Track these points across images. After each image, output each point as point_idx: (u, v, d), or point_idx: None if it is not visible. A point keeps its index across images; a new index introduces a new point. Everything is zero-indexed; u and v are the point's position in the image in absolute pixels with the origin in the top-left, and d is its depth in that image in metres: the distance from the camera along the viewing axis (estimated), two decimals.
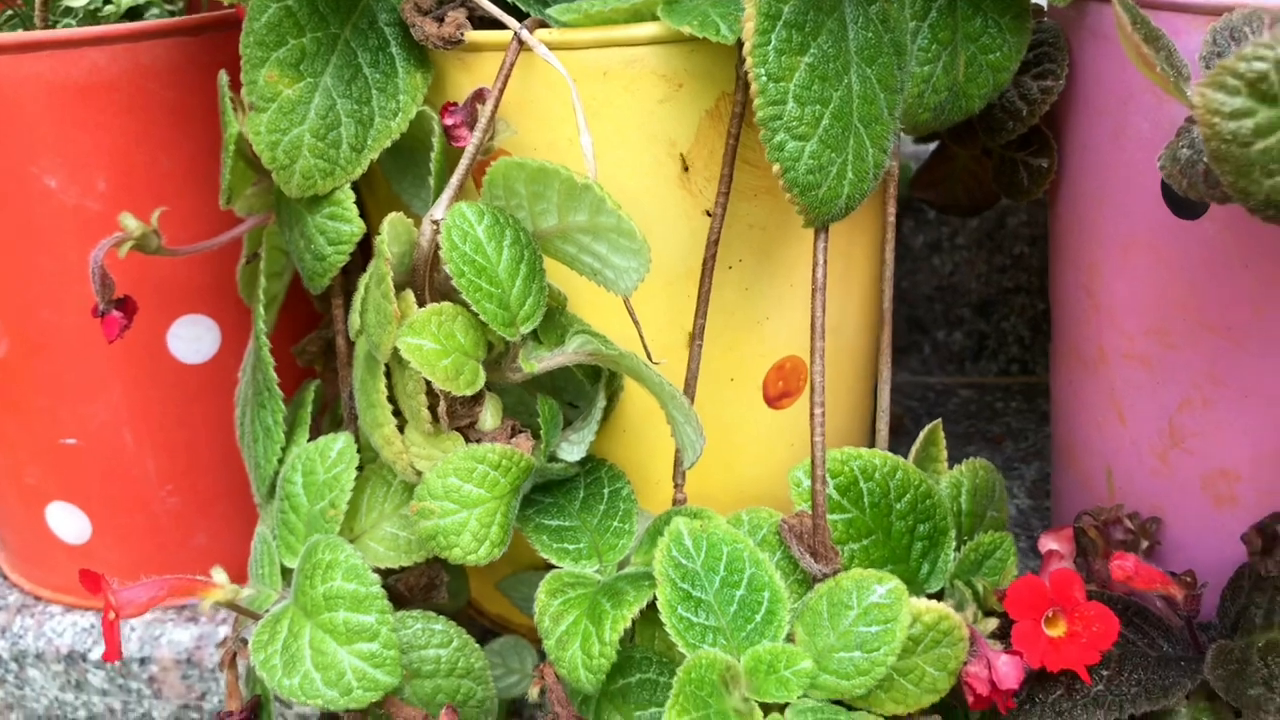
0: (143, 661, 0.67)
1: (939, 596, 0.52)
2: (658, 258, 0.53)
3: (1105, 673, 0.49)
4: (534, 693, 0.49)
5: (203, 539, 0.68)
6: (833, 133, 0.45)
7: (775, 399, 0.58)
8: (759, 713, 0.45)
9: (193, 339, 0.63)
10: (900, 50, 0.48)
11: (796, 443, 0.59)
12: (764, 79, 0.44)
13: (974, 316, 0.89)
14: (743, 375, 0.57)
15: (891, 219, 0.54)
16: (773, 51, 0.44)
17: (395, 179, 0.54)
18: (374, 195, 0.56)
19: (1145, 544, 0.55)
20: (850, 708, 0.47)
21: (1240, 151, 0.36)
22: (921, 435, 0.55)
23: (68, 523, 0.67)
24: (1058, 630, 0.48)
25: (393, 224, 0.46)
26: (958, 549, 0.53)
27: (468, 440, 0.49)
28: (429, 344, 0.45)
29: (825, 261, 0.48)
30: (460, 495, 0.47)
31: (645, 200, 0.51)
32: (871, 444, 0.56)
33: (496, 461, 0.48)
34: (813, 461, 0.49)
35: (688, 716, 0.43)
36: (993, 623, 0.50)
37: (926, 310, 0.89)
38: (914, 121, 0.52)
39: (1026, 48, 0.54)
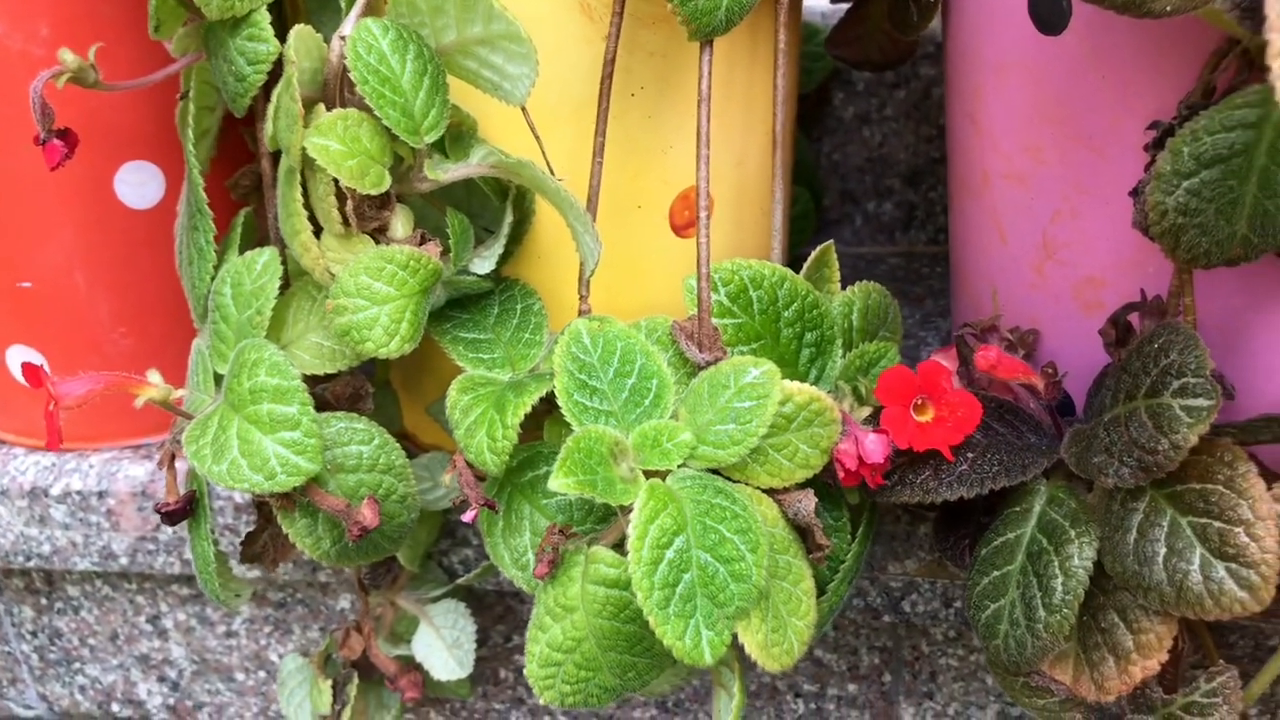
0: (101, 495, 0.71)
1: None
2: (563, 85, 0.56)
3: (970, 455, 0.53)
4: (447, 479, 0.53)
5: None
6: None
7: (681, 227, 0.62)
8: (642, 479, 0.49)
9: (138, 184, 0.67)
10: None
11: None
12: None
13: (903, 187, 0.93)
14: (649, 203, 0.60)
15: (782, 44, 0.58)
16: None
17: (316, 15, 0.58)
18: None
19: (1022, 353, 0.59)
20: (730, 479, 0.51)
21: None
22: (813, 255, 0.59)
23: None
24: (925, 416, 0.52)
25: (300, 35, 0.50)
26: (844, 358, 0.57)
27: (379, 246, 0.53)
28: (335, 144, 0.49)
29: (710, 74, 0.52)
30: (371, 292, 0.51)
31: (548, 28, 0.54)
32: None
33: (404, 262, 0.52)
34: (698, 260, 0.53)
35: (574, 478, 0.47)
36: (866, 411, 0.54)
37: (858, 182, 0.93)
38: None
39: None
